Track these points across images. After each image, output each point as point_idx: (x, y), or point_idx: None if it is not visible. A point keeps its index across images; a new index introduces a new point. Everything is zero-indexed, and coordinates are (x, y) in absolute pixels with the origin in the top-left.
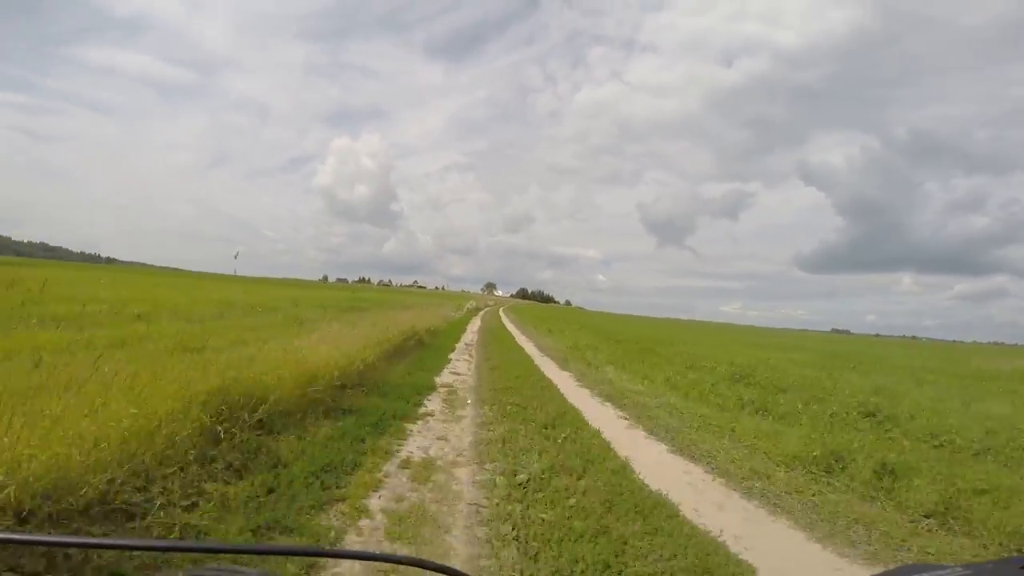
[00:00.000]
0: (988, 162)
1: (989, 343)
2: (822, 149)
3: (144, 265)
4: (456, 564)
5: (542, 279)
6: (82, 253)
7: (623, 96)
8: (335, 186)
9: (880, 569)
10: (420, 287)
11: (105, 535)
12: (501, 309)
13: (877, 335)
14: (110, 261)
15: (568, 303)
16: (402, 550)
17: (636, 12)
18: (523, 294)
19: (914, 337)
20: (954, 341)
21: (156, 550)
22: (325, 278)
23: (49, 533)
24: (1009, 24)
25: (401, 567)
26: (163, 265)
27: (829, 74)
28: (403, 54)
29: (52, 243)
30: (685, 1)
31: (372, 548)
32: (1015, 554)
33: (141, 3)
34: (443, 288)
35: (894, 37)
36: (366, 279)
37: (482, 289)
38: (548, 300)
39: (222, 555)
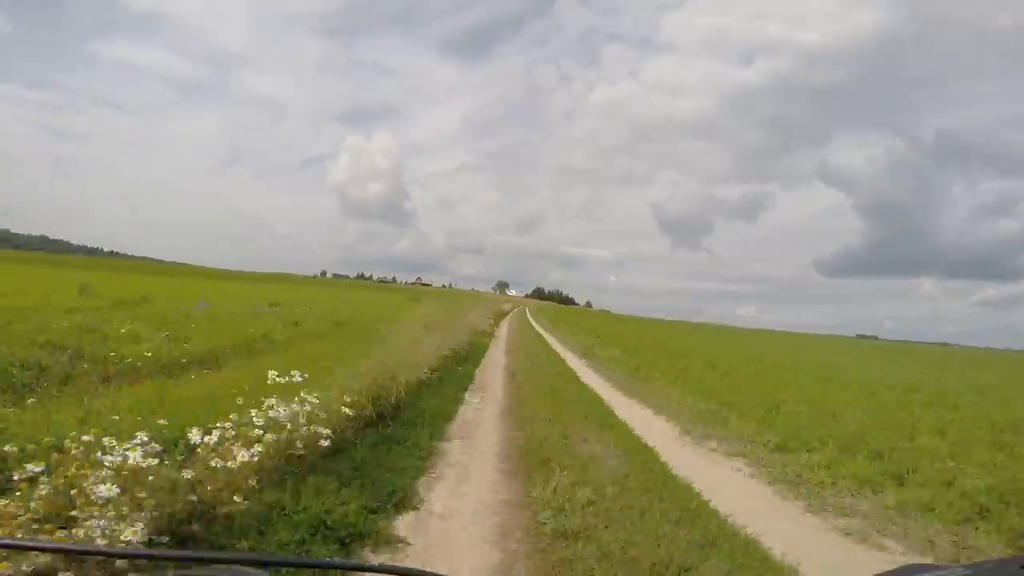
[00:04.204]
0: (1019, 165)
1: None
2: (844, 150)
3: (148, 259)
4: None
5: (552, 279)
6: (83, 247)
7: (638, 95)
8: (348, 184)
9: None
10: (424, 284)
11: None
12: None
13: (905, 341)
14: (112, 255)
15: (589, 304)
16: None
17: (653, 10)
18: (539, 294)
19: (945, 344)
20: (987, 348)
21: (150, 559)
22: (323, 273)
23: (48, 540)
24: None
25: None
26: (169, 260)
27: (852, 75)
28: (417, 51)
29: (52, 236)
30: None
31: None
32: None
33: None
34: (450, 286)
35: (921, 38)
36: (365, 275)
37: (493, 288)
38: (568, 301)
39: (219, 565)
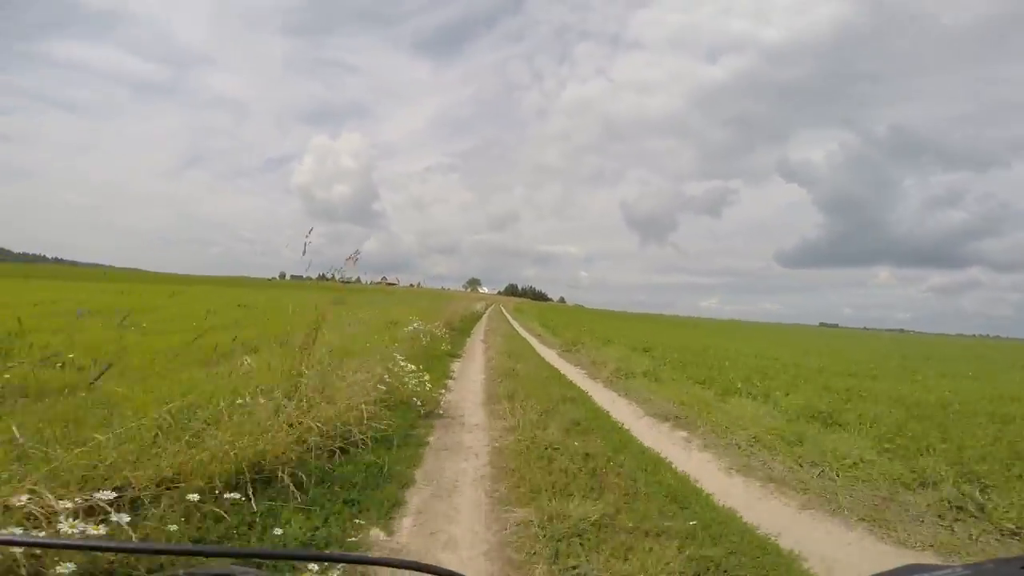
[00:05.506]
0: (967, 159)
1: (974, 336)
2: (803, 146)
3: (96, 265)
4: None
5: (525, 276)
6: (24, 254)
7: (609, 93)
8: (314, 185)
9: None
10: (390, 284)
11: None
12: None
13: (865, 328)
14: (57, 262)
15: (563, 300)
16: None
17: (623, 8)
18: (512, 291)
19: (901, 330)
20: (938, 334)
21: (146, 552)
22: (282, 275)
23: (51, 536)
24: (991, 22)
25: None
26: (123, 266)
27: (811, 71)
28: (388, 50)
29: None
30: None
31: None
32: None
33: None
34: (418, 285)
35: (876, 33)
36: (326, 276)
37: (464, 286)
38: (541, 297)
39: (217, 557)
